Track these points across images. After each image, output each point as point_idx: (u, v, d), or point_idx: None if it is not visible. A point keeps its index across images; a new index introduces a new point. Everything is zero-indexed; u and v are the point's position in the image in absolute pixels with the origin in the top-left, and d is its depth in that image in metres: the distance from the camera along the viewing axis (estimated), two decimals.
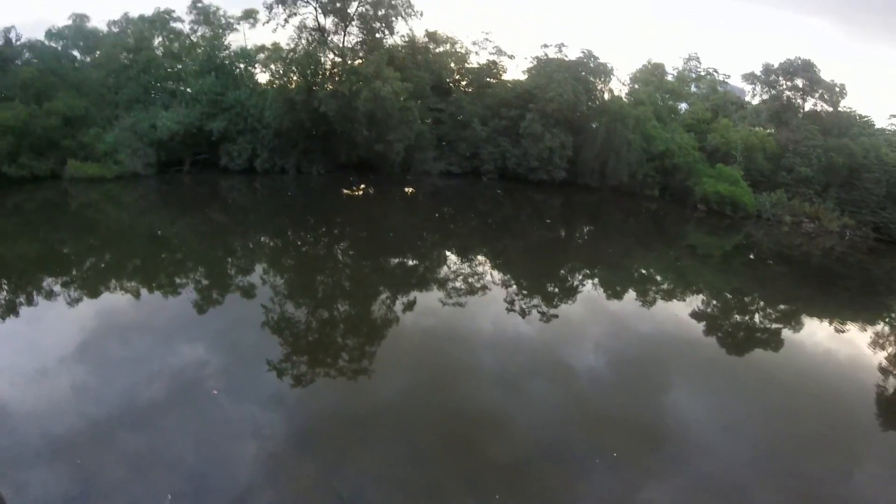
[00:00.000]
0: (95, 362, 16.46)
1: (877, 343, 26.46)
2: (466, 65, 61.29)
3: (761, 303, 30.72)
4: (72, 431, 12.91)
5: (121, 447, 12.59)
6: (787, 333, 26.04)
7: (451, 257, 32.51)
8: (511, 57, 61.41)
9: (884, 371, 22.88)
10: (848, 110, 62.66)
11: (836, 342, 25.72)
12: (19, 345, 17.65)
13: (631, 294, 28.92)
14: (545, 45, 59.01)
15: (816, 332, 26.91)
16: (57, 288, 22.39)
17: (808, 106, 61.46)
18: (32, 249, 26.94)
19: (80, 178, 37.96)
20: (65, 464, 11.97)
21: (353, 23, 48.34)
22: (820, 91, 60.28)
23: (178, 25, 52.24)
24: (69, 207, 34.63)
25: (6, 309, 20.12)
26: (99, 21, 50.84)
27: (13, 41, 43.46)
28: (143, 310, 21.13)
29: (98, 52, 48.66)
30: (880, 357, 24.55)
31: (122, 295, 22.41)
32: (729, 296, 31.64)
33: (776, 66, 60.70)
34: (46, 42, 46.90)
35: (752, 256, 42.75)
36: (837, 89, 59.97)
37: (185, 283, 24.26)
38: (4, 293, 21.90)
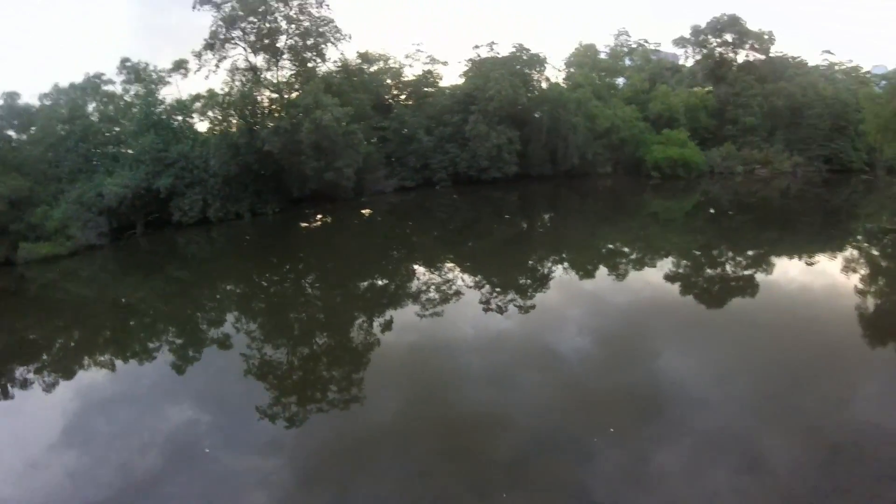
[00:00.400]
0: (84, 443, 16.28)
1: (848, 267, 27.52)
2: (402, 78, 61.77)
3: (730, 253, 31.47)
4: None
5: None
6: (761, 277, 26.73)
7: (420, 269, 32.64)
8: (445, 63, 61.96)
9: (860, 292, 23.77)
10: (780, 54, 64.13)
11: (809, 275, 26.51)
12: (3, 439, 17.41)
13: (603, 271, 29.42)
14: (477, 46, 59.74)
15: (789, 270, 27.76)
16: (31, 376, 22.05)
17: (741, 58, 63.03)
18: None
19: (34, 260, 37.37)
20: None
21: (284, 56, 48.56)
22: (750, 42, 61.78)
23: (110, 88, 51.67)
24: (29, 292, 34.11)
25: None
26: (30, 96, 49.99)
27: None
28: (122, 381, 20.94)
29: (33, 128, 47.89)
30: (854, 280, 25.43)
31: (98, 370, 22.18)
32: (698, 253, 32.27)
33: (704, 25, 61.98)
34: None
35: (712, 211, 43.51)
36: (766, 37, 61.48)
37: (160, 347, 24.06)
38: None
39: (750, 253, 31.15)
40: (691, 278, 27.67)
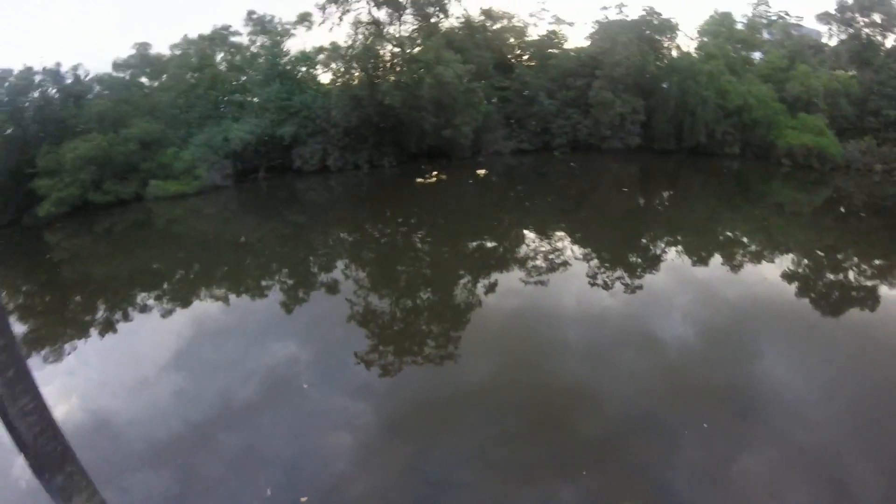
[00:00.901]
0: (191, 368, 16.95)
1: None
2: (526, 38, 60.04)
3: (855, 259, 28.88)
4: (172, 435, 13.31)
5: (219, 446, 12.93)
6: (884, 291, 24.22)
7: (530, 235, 31.98)
8: (571, 24, 60.00)
9: None
10: None
11: None
12: (119, 358, 18.37)
13: (717, 259, 27.71)
14: (604, 8, 57.34)
15: None
16: (150, 301, 23.22)
17: (890, 43, 57.56)
18: (126, 268, 27.95)
19: (162, 197, 39.11)
20: (166, 465, 12.30)
21: (407, 11, 48.17)
22: None
23: (237, 39, 53.17)
24: (156, 225, 35.74)
25: (105, 325, 20.99)
26: (161, 47, 52.12)
27: (82, 77, 44.91)
28: (233, 314, 21.65)
29: (164, 76, 50.07)
30: None
31: (212, 302, 23.02)
32: (821, 254, 29.85)
33: (851, 2, 57.31)
34: (114, 73, 48.35)
35: (843, 210, 40.51)
36: None
37: (272, 285, 24.75)
38: (102, 311, 22.75)
39: (877, 262, 28.55)
40: (810, 280, 25.49)
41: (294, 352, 17.94)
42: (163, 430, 13.44)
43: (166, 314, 21.67)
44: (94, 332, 20.44)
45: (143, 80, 50.61)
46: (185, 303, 22.85)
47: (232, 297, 23.49)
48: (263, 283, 25.29)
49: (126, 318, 21.80)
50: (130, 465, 12.24)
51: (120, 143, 39.21)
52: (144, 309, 22.38)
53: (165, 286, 25.59)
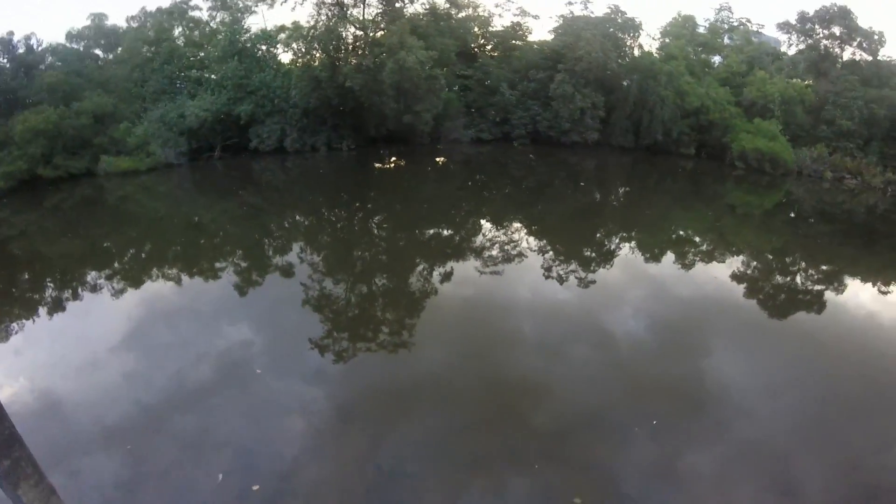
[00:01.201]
0: (143, 350, 16.66)
1: None
2: (490, 28, 60.14)
3: (803, 263, 29.80)
4: (123, 418, 13.09)
5: (170, 430, 12.79)
6: (830, 295, 24.96)
7: (486, 225, 32.17)
8: (535, 17, 60.73)
9: None
10: (888, 59, 60.05)
11: (881, 304, 24.54)
12: (69, 339, 17.97)
13: (669, 256, 28.33)
14: (570, 3, 57.80)
15: (860, 294, 25.73)
16: (101, 281, 22.75)
17: (847, 55, 59.04)
18: (75, 246, 27.26)
19: (114, 173, 38.11)
20: (117, 450, 12.11)
21: None
22: (858, 39, 57.75)
23: (196, 14, 52.06)
24: (107, 202, 34.86)
25: (54, 305, 20.50)
26: (117, 18, 50.84)
27: (34, 47, 43.36)
28: (185, 295, 21.37)
29: (120, 49, 48.68)
30: None
31: (164, 283, 22.67)
32: (770, 256, 30.73)
33: (812, 13, 58.54)
34: (68, 44, 47.00)
35: (792, 215, 41.55)
36: (876, 37, 57.50)
37: (225, 267, 24.42)
38: (51, 290, 22.24)
39: (824, 267, 29.40)
40: (759, 281, 26.23)
41: (247, 336, 17.77)
42: (113, 413, 13.21)
43: (117, 294, 21.20)
44: (42, 311, 19.87)
45: (98, 52, 49.23)
46: (137, 283, 22.40)
47: (185, 278, 23.13)
48: (217, 264, 24.93)
49: (76, 297, 21.30)
50: (80, 450, 12.03)
51: (71, 117, 37.95)
52: (95, 288, 21.88)
53: (116, 265, 25.03)
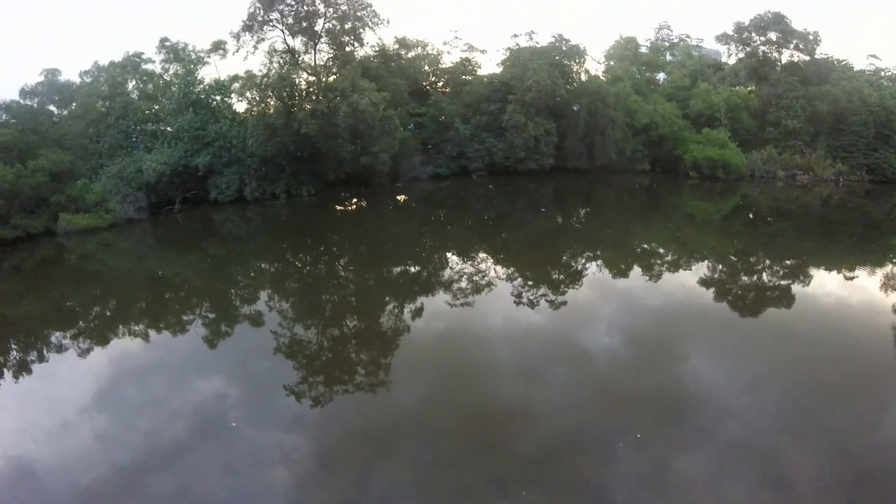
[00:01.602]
0: (114, 409, 16.53)
1: (888, 285, 26.47)
2: (440, 66, 61.67)
3: (767, 261, 30.81)
4: (98, 481, 12.94)
5: (148, 490, 12.62)
6: (797, 287, 26.03)
7: (453, 258, 32.56)
8: (483, 52, 61.70)
9: None
10: (825, 57, 62.51)
11: (847, 289, 25.72)
12: (37, 402, 17.76)
13: (636, 270, 29.06)
14: (515, 35, 59.34)
15: (826, 282, 26.95)
16: (67, 342, 22.45)
17: (785, 58, 61.45)
18: (37, 307, 26.95)
19: (74, 231, 37.82)
20: None
21: (322, 40, 48.56)
22: (794, 41, 60.21)
23: (149, 67, 52.08)
24: (67, 261, 34.57)
25: (19, 368, 20.25)
26: (70, 73, 50.72)
27: None
28: (154, 352, 21.17)
29: (74, 105, 48.68)
30: (893, 298, 24.48)
31: (132, 340, 22.51)
32: (734, 258, 31.71)
33: (747, 23, 60.69)
34: (21, 101, 46.97)
35: (751, 216, 42.79)
36: (811, 37, 59.87)
37: (193, 320, 24.31)
38: (16, 353, 21.93)
39: (788, 262, 30.51)
40: (726, 284, 27.15)
41: (220, 388, 17.70)
42: (87, 477, 13.09)
43: (84, 354, 21.01)
44: (7, 375, 19.63)
45: (52, 108, 49.35)
46: (104, 342, 22.25)
47: (152, 333, 22.97)
48: (184, 318, 24.86)
49: (42, 359, 21.06)
50: None
51: (27, 175, 37.73)
52: (61, 349, 21.63)
53: (82, 325, 24.82)
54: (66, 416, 16.17)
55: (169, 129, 46.90)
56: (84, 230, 38.14)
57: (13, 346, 22.79)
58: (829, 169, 53.64)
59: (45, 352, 21.84)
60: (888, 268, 29.84)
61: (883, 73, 69.95)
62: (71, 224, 37.96)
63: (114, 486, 12.82)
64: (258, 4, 47.40)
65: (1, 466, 13.74)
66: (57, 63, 67.81)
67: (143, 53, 51.82)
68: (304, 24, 47.69)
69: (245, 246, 37.24)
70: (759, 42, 60.96)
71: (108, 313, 26.60)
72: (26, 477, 13.27)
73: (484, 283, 26.97)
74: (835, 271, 28.93)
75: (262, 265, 33.77)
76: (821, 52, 61.55)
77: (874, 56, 77.00)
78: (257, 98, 47.08)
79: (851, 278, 27.63)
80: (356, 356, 20.42)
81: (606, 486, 12.54)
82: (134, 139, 47.64)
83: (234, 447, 14.25)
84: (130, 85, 51.25)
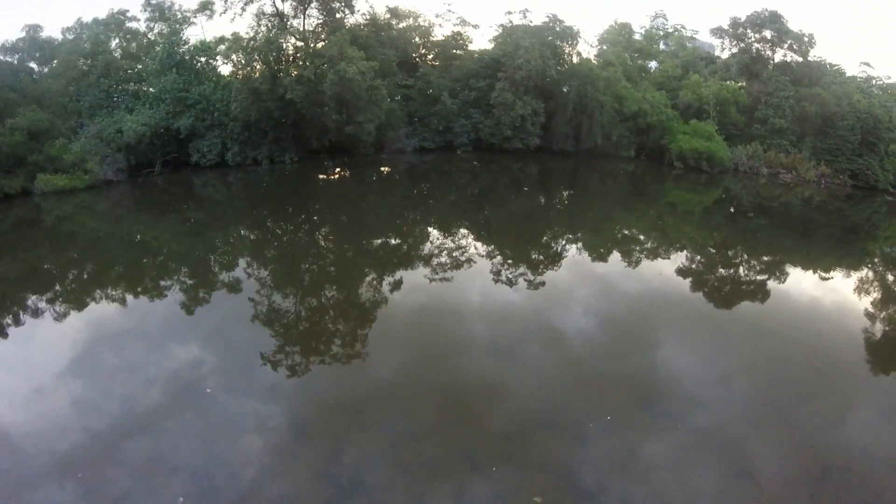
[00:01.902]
0: (89, 374, 16.38)
1: (861, 288, 26.89)
2: (431, 38, 60.90)
3: (745, 255, 31.05)
4: (73, 446, 12.85)
5: (124, 456, 12.55)
6: (772, 284, 26.31)
7: (434, 233, 32.51)
8: (475, 27, 61.28)
9: (870, 316, 23.19)
10: (818, 60, 62.56)
11: (821, 290, 26.08)
12: (12, 365, 17.45)
13: (615, 256, 29.20)
14: (509, 13, 58.91)
15: (801, 282, 27.26)
16: (42, 304, 22.10)
17: (778, 57, 61.33)
18: (13, 268, 26.47)
19: (51, 192, 37.09)
20: (69, 479, 11.87)
21: (312, 5, 47.60)
22: (789, 42, 60.12)
23: (133, 25, 51.24)
24: (44, 222, 33.93)
25: None
26: (53, 30, 49.61)
27: None
28: (130, 316, 20.96)
29: (55, 62, 47.54)
30: (865, 302, 24.90)
31: (108, 304, 22.20)
32: (712, 250, 31.90)
33: (743, 18, 60.61)
34: (1, 57, 45.88)
35: (732, 210, 43.05)
36: (806, 39, 59.81)
37: (171, 286, 24.04)
38: None
39: (765, 258, 30.72)
40: (703, 275, 27.40)
41: (196, 355, 17.62)
42: (63, 441, 12.97)
43: (60, 318, 20.69)
44: None
45: (32, 65, 48.14)
46: (80, 305, 21.92)
47: (129, 298, 22.70)
48: (161, 283, 24.56)
49: (17, 322, 20.68)
50: (31, 482, 11.79)
51: (5, 134, 36.93)
52: (37, 313, 21.25)
53: (58, 288, 24.43)
54: (41, 380, 15.96)
55: (151, 89, 46.09)
56: (61, 191, 37.42)
57: None
58: (813, 170, 53.78)
59: (20, 315, 21.44)
60: (863, 271, 30.31)
61: (874, 82, 70.13)
62: (48, 184, 37.22)
63: (90, 451, 12.75)
64: None
65: None
66: (39, 19, 66.30)
67: (127, 11, 50.90)
68: None
69: (225, 211, 36.87)
70: (753, 39, 60.88)
71: (85, 276, 26.24)
72: (1, 442, 13.07)
73: (464, 259, 26.97)
74: (811, 271, 29.26)
75: (242, 231, 33.44)
76: (814, 54, 61.48)
77: (867, 64, 77.57)
78: (243, 61, 46.21)
79: (826, 279, 27.96)
80: (333, 327, 20.46)
81: (576, 465, 12.70)
82: (115, 99, 46.60)
83: (208, 413, 14.26)
84: (113, 43, 50.34)
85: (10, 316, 21.39)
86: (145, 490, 11.58)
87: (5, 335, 19.58)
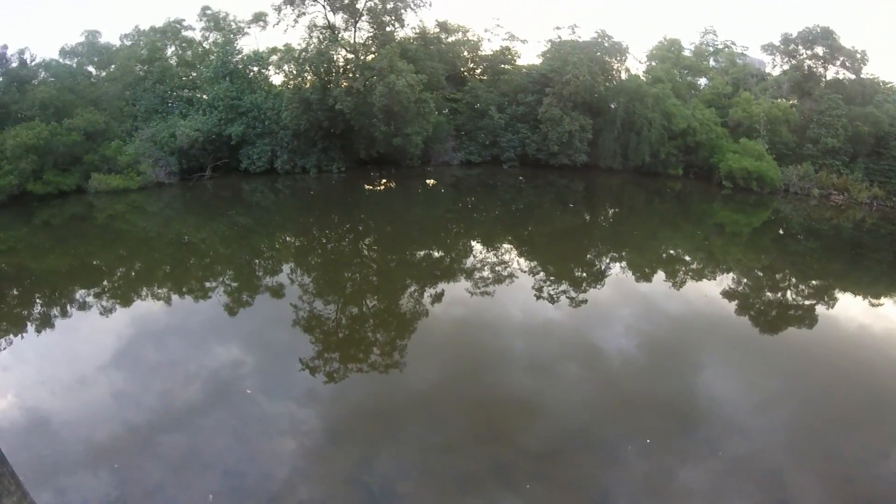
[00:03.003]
0: (131, 369, 16.65)
1: None
2: (480, 52, 61.16)
3: (793, 279, 30.22)
4: (110, 437, 13.08)
5: (159, 450, 12.74)
6: (820, 309, 25.44)
7: (477, 247, 32.38)
8: (524, 42, 61.25)
9: None
10: (871, 77, 60.96)
11: (870, 317, 25.08)
12: (57, 356, 17.89)
13: (660, 275, 28.61)
14: (558, 28, 59.20)
15: (850, 308, 26.20)
16: (90, 299, 22.65)
17: (830, 74, 59.78)
18: (64, 262, 27.24)
19: (104, 191, 38.18)
20: (104, 468, 12.08)
21: (363, 18, 48.20)
22: (841, 59, 58.61)
23: (189, 34, 52.74)
24: (96, 220, 34.83)
25: (42, 322, 20.43)
26: (111, 36, 51.13)
27: (28, 62, 43.68)
28: (175, 314, 21.36)
29: (112, 67, 48.91)
30: None
31: (153, 302, 22.61)
32: (760, 273, 31.12)
33: (795, 35, 59.33)
34: (61, 60, 47.20)
35: (781, 232, 42.11)
36: (859, 56, 58.30)
37: (215, 287, 24.47)
38: (39, 307, 22.17)
39: (814, 283, 29.87)
40: (749, 298, 26.64)
41: (237, 356, 17.81)
42: (101, 432, 13.19)
43: (107, 312, 21.18)
44: (30, 328, 19.79)
45: (91, 69, 49.50)
46: (127, 301, 22.38)
47: (174, 297, 23.16)
48: (207, 284, 25.00)
49: (64, 314, 21.25)
50: (66, 468, 12.01)
51: (63, 133, 38.09)
52: (84, 306, 21.80)
53: (106, 283, 25.01)
54: (84, 371, 16.34)
55: (205, 96, 47.29)
56: (114, 191, 38.51)
57: (37, 299, 23.10)
58: (865, 192, 52.25)
59: (67, 307, 22.04)
60: None
61: None
62: (102, 184, 38.33)
63: (126, 442, 12.95)
64: None
65: (18, 416, 13.88)
66: (98, 25, 68.21)
67: (183, 20, 52.48)
68: (346, 1, 47.38)
69: (272, 217, 37.32)
70: (804, 56, 59.49)
71: (133, 274, 26.80)
72: (41, 428, 13.40)
73: (505, 273, 26.82)
74: (860, 297, 28.21)
75: (288, 238, 33.86)
76: (867, 71, 59.83)
77: None
78: (294, 72, 47.13)
79: (876, 305, 26.99)
80: (372, 335, 20.47)
81: (611, 487, 12.43)
82: (169, 104, 48.05)
83: (247, 413, 14.37)
84: (169, 51, 51.87)
85: (58, 308, 22.00)
86: (178, 484, 11.72)
87: (52, 326, 20.14)
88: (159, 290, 23.87)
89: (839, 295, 28.18)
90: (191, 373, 16.45)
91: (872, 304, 26.98)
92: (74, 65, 48.07)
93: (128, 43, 51.11)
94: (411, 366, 17.59)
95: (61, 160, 38.39)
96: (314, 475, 12.40)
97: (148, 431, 13.36)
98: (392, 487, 12.00)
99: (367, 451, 13.23)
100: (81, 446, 12.72)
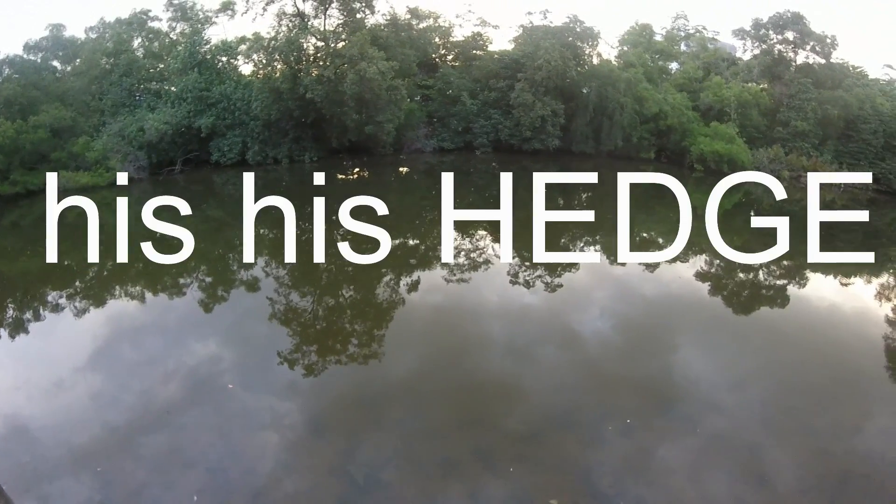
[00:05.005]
0: (109, 369, 16.56)
1: (882, 294, 26.47)
2: (451, 38, 60.99)
3: (765, 259, 30.59)
4: (91, 439, 13.00)
5: (141, 450, 12.69)
6: (792, 289, 26.04)
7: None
8: (496, 27, 60.85)
9: (891, 322, 22.81)
10: (841, 62, 61.61)
11: (841, 295, 25.72)
12: (33, 360, 17.71)
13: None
14: (530, 13, 58.54)
15: (821, 287, 26.84)
16: (63, 300, 22.38)
17: (800, 59, 60.44)
18: (35, 264, 26.77)
19: (73, 189, 37.36)
20: (86, 472, 12.00)
21: (333, 5, 47.71)
22: (811, 43, 59.20)
23: (156, 25, 51.70)
24: (65, 219, 34.08)
25: (15, 326, 20.18)
26: (76, 29, 50.13)
27: None
28: (150, 312, 21.31)
29: (78, 61, 48.14)
30: (886, 309, 24.51)
31: (129, 300, 22.57)
32: (733, 254, 31.41)
33: (766, 20, 59.82)
34: (25, 56, 46.35)
35: (752, 214, 42.50)
36: (829, 41, 58.89)
37: (189, 283, 24.20)
38: (12, 310, 21.84)
39: (785, 263, 30.30)
40: (722, 279, 27.11)
41: (215, 351, 17.77)
42: (82, 434, 13.13)
43: (81, 313, 21.01)
44: (3, 333, 19.52)
45: (56, 63, 48.73)
46: (101, 301, 22.27)
47: (148, 295, 23.00)
48: (181, 280, 24.74)
49: (38, 317, 21.01)
50: (48, 473, 11.93)
51: (29, 131, 37.40)
52: (57, 308, 21.60)
53: (79, 284, 24.77)
54: (61, 374, 16.19)
55: (173, 88, 46.56)
56: (84, 188, 37.71)
57: (9, 303, 22.73)
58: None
59: (41, 310, 21.79)
60: (883, 277, 29.72)
61: None
62: (71, 181, 37.49)
63: (107, 444, 12.89)
64: None
65: None
66: (62, 18, 66.98)
67: (150, 11, 51.35)
68: None
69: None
70: (775, 40, 60.02)
71: (106, 272, 26.40)
72: (20, 434, 13.27)
73: (481, 260, 27.11)
74: (830, 276, 28.72)
75: (261, 230, 33.51)
76: (837, 56, 60.43)
77: (890, 66, 76.00)
78: (264, 61, 46.61)
79: (846, 285, 27.51)
80: (350, 326, 20.61)
81: (593, 468, 12.66)
82: (137, 97, 47.25)
83: (228, 409, 14.46)
84: (136, 42, 50.86)
85: (31, 311, 21.73)
86: (161, 484, 11.70)
87: (26, 330, 19.89)
88: (133, 289, 23.68)
89: (810, 274, 28.59)
90: (170, 371, 16.41)
91: (843, 284, 27.50)
92: (39, 60, 47.23)
93: (93, 36, 50.11)
94: (390, 354, 17.70)
95: (28, 159, 37.64)
96: (298, 467, 12.50)
97: (129, 432, 13.31)
98: (376, 476, 12.11)
99: (350, 441, 13.33)
100: (62, 451, 12.64)
